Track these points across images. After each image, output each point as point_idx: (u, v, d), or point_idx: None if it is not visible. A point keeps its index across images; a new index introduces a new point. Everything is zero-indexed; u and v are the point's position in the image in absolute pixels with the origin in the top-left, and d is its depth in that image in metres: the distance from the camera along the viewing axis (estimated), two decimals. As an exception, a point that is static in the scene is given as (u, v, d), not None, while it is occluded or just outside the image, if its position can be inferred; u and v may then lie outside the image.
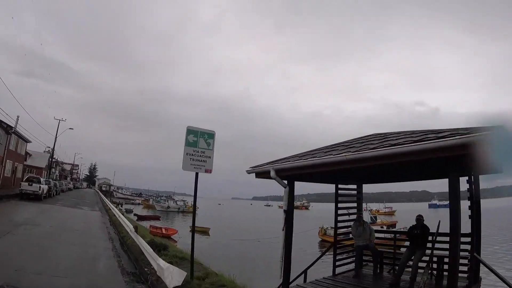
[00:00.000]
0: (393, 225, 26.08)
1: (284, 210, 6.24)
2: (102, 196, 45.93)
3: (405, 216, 79.70)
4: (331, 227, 28.47)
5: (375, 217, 26.85)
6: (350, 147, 5.14)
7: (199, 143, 6.96)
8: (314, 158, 5.31)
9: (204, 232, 30.30)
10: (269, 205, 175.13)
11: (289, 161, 5.90)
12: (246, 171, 6.64)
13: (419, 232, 6.48)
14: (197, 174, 6.93)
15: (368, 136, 6.39)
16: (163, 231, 25.88)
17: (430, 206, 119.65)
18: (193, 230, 7.59)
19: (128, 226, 11.59)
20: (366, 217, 29.50)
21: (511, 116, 3.09)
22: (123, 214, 20.11)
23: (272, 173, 5.88)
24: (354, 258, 7.70)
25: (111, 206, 25.89)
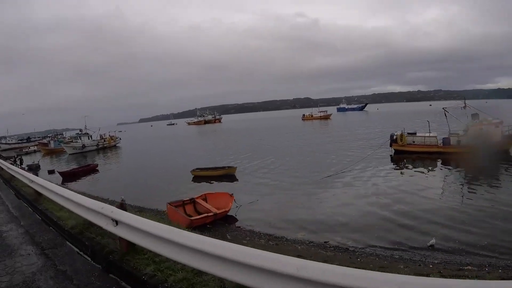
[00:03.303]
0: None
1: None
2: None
3: (338, 118, 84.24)
4: (408, 133, 24.38)
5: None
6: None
7: None
8: None
9: (230, 174, 21.29)
10: (173, 124, 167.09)
11: None
12: None
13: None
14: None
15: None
16: (212, 207, 12.51)
17: (339, 110, 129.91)
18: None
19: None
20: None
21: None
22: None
23: None
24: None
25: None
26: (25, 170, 19.64)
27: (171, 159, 32.09)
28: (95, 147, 49.69)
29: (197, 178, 21.16)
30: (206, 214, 11.96)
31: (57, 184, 9.11)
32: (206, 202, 13.04)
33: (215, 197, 13.52)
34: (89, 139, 50.63)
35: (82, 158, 43.43)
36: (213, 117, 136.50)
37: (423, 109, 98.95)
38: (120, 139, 57.08)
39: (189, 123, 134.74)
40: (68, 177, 26.46)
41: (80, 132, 51.48)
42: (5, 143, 73.16)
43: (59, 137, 64.95)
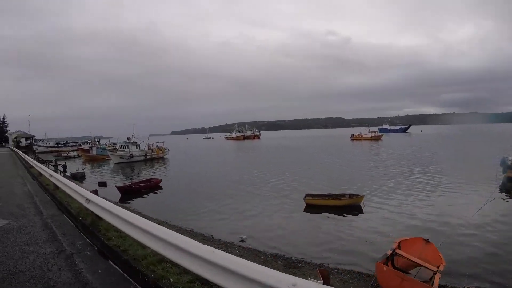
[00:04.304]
0: None
1: None
2: (29, 159, 25.58)
3: (388, 139, 77.64)
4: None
5: None
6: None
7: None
8: None
9: (355, 204, 15.82)
10: (209, 138, 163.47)
11: None
12: None
13: None
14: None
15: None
16: (424, 262, 7.28)
17: (381, 130, 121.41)
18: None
19: None
20: None
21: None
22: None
23: None
24: None
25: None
26: (69, 179, 13.13)
27: (247, 179, 24.95)
28: (142, 158, 43.86)
29: (310, 208, 15.77)
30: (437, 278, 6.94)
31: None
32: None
33: (410, 244, 8.74)
34: (137, 148, 44.95)
35: (129, 168, 37.59)
36: (252, 133, 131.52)
37: (468, 132, 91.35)
38: (169, 150, 51.19)
39: (227, 138, 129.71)
40: (127, 194, 20.14)
41: (128, 141, 45.79)
42: (42, 146, 69.67)
43: (98, 143, 60.49)
